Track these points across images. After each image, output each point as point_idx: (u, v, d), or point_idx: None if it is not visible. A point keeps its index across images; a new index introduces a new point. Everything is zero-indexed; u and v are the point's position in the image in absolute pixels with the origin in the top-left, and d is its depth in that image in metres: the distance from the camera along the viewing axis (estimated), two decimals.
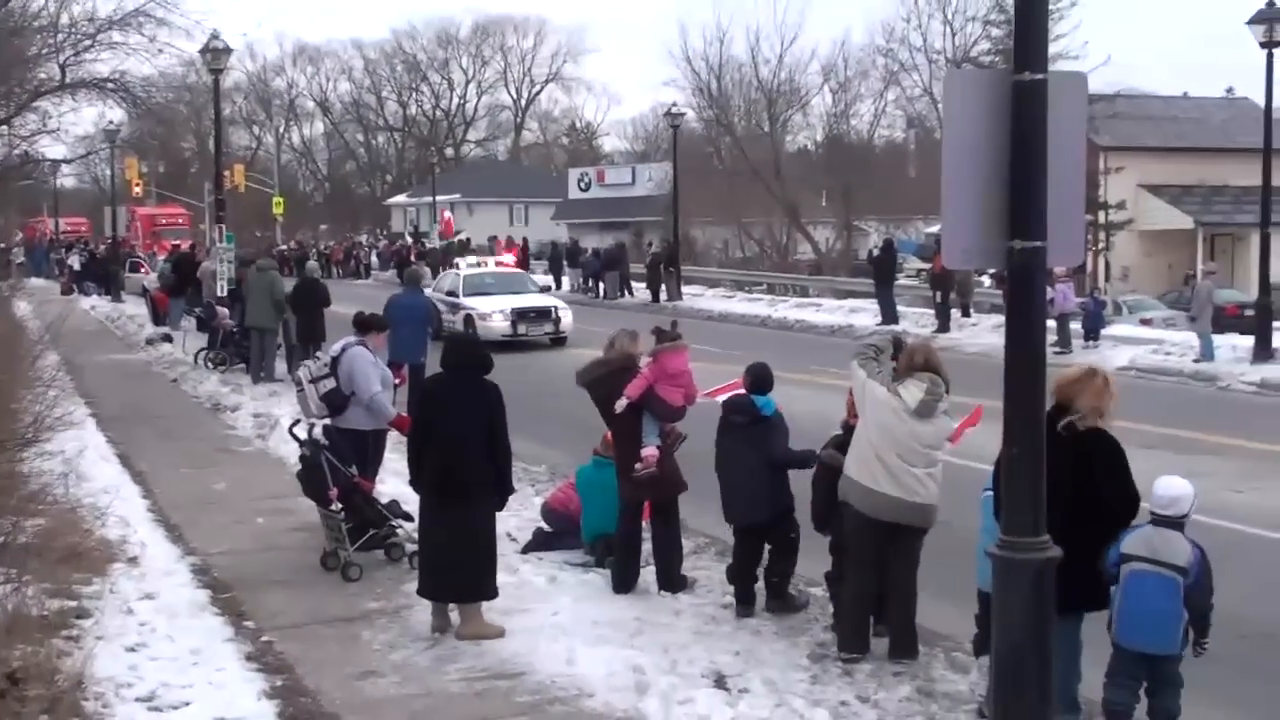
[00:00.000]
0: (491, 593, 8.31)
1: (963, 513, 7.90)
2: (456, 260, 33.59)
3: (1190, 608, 6.23)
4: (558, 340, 26.31)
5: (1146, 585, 6.25)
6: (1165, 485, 6.44)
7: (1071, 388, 6.51)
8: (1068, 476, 6.14)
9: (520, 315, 26.45)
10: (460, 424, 8.19)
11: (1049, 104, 5.46)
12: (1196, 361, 21.80)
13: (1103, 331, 24.99)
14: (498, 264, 33.05)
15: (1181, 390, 20.31)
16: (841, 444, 8.04)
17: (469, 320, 26.32)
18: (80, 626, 7.88)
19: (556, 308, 27.29)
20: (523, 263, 49.07)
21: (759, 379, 8.84)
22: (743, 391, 8.89)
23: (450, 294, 28.02)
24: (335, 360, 10.50)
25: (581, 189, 71.17)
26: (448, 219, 58.53)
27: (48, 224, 67.70)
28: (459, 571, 8.18)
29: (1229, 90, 50.01)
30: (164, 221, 60.77)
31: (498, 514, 8.56)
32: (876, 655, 7.76)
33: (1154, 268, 40.81)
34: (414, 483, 8.59)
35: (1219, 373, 21.04)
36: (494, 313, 26.42)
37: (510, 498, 8.80)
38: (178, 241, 43.93)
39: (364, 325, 10.95)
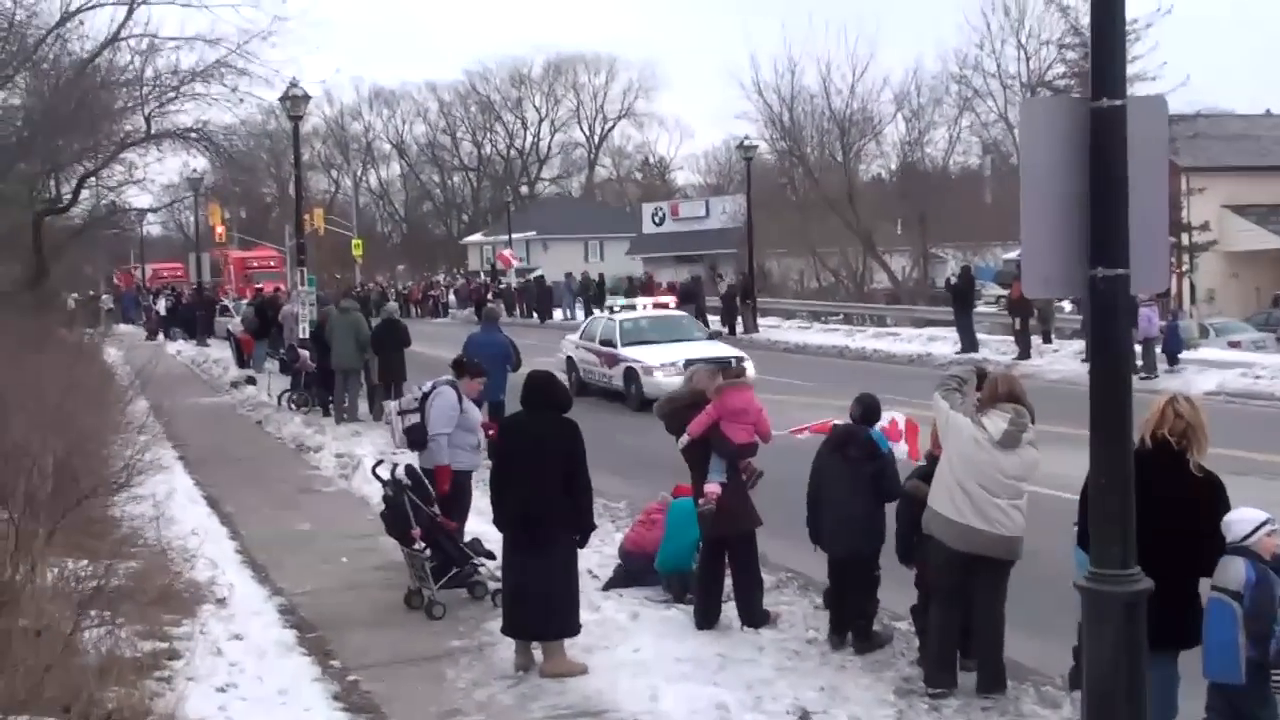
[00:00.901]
0: (574, 630, 8.33)
1: (1051, 543, 7.78)
2: (609, 303, 28.91)
3: (1248, 634, 6.06)
4: None
5: (1211, 613, 6.12)
6: (1230, 513, 6.32)
7: (1177, 423, 6.36)
8: (1168, 511, 6.03)
9: None
10: (538, 462, 8.24)
11: (1129, 129, 5.40)
12: None
13: (1188, 355, 24.52)
14: (655, 305, 26.93)
15: (1273, 415, 19.84)
16: (926, 475, 7.97)
17: (631, 375, 22.28)
18: (172, 667, 8.00)
19: (739, 358, 21.17)
20: (600, 298, 49.50)
21: (869, 410, 8.81)
22: (836, 423, 8.84)
23: (605, 343, 23.74)
24: (425, 397, 10.67)
25: (656, 223, 71.44)
26: (503, 254, 59.14)
27: (137, 273, 69.11)
28: (541, 609, 8.20)
29: None
30: (256, 265, 61.21)
31: (579, 551, 8.59)
32: (964, 690, 7.64)
33: (1241, 289, 40.04)
34: (496, 521, 8.65)
35: None
36: (663, 365, 21.71)
37: (592, 535, 8.81)
38: (260, 285, 44.65)
39: (458, 368, 11.11)
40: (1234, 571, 6.10)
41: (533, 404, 8.50)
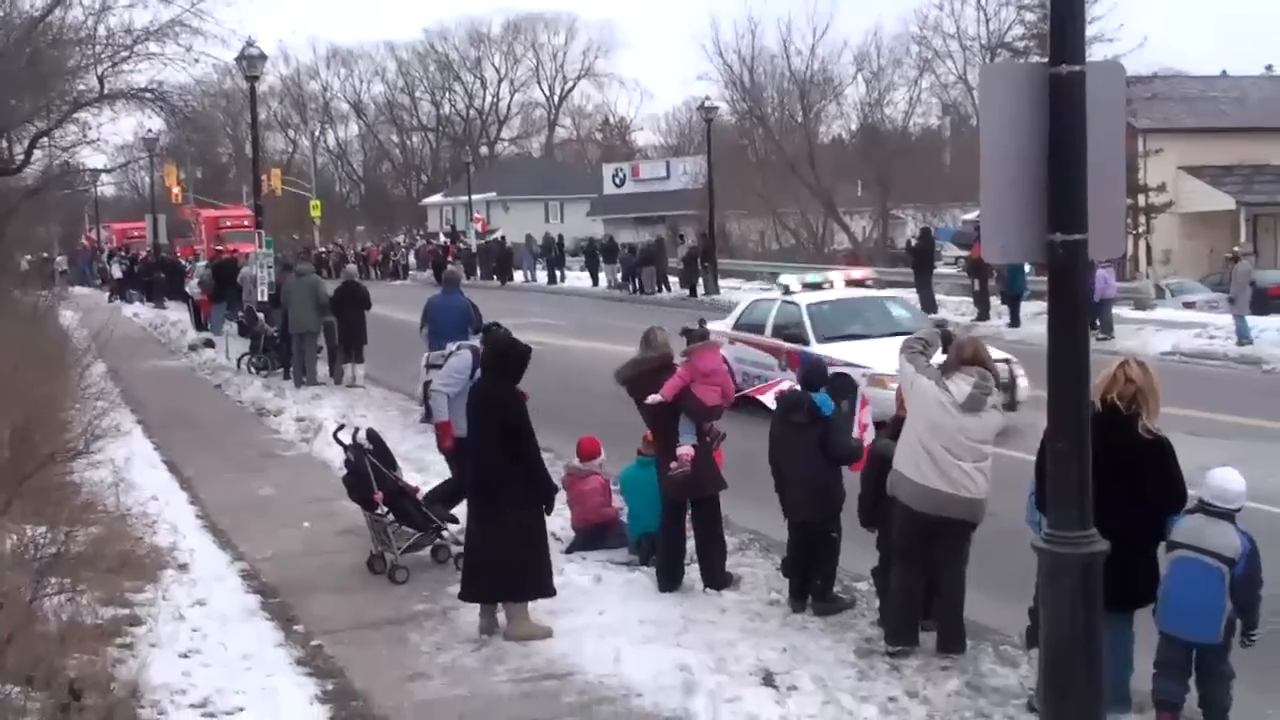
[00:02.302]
0: (528, 594, 8.32)
1: (1011, 504, 7.86)
2: (783, 280, 19.66)
3: (1235, 599, 6.19)
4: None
5: (1191, 573, 6.22)
6: (1222, 477, 6.37)
7: (1128, 387, 6.45)
8: (1120, 474, 6.12)
9: None
10: (484, 430, 8.31)
11: (1087, 95, 5.44)
12: (1239, 344, 21.59)
13: (1145, 315, 24.77)
14: (848, 282, 18.64)
15: (1226, 375, 20.10)
16: (894, 436, 8.03)
17: (844, 384, 13.44)
18: (134, 634, 8.00)
19: (1007, 360, 14.35)
20: (560, 260, 49.38)
21: (813, 373, 8.87)
22: (795, 386, 8.91)
23: (790, 338, 16.92)
24: (449, 356, 10.61)
25: (616, 184, 71.22)
26: (479, 218, 58.52)
27: (114, 230, 67.13)
28: (496, 572, 8.23)
29: (1268, 68, 49.44)
30: (230, 224, 58.26)
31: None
32: (924, 650, 7.74)
33: (1196, 250, 40.37)
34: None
35: (1264, 356, 20.80)
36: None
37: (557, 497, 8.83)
38: (220, 247, 44.03)
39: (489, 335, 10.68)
40: (1227, 538, 6.20)
41: (485, 369, 8.54)
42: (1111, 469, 5.98)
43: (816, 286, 18.03)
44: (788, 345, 16.75)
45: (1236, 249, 24.42)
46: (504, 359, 8.56)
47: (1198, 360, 21.25)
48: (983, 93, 5.96)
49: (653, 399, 9.08)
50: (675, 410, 9.08)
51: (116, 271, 47.52)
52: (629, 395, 9.49)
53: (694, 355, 9.15)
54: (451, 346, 10.78)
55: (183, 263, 44.82)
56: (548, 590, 8.39)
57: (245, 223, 57.89)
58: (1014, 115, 5.56)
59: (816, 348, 15.90)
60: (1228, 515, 6.29)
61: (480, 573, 8.31)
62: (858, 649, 7.88)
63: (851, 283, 18.64)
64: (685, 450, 9.03)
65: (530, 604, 8.34)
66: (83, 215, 69.61)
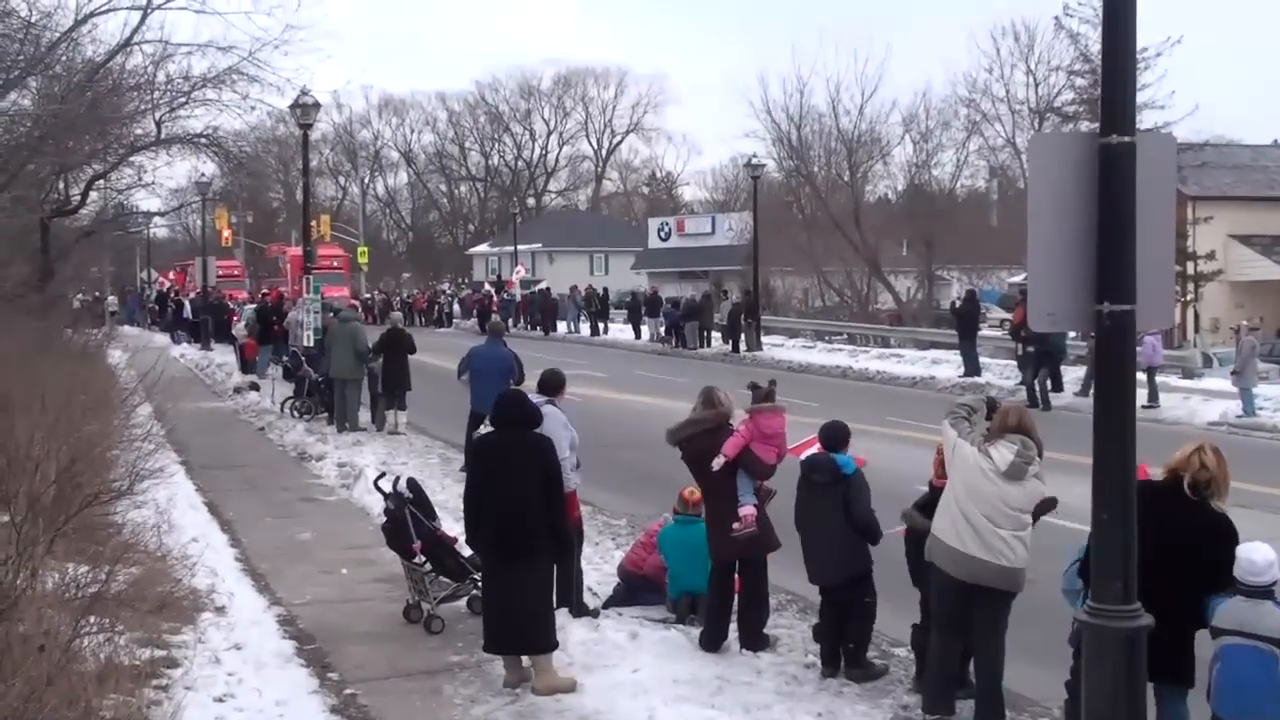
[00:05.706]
0: (554, 644, 8.32)
1: (1052, 571, 7.76)
2: None
3: None
4: None
5: (1242, 659, 6.07)
6: (1255, 552, 6.23)
7: (1201, 473, 6.41)
8: (1177, 545, 6.05)
9: None
10: (520, 481, 8.29)
11: (1137, 166, 5.42)
12: (1244, 416, 21.39)
13: (1192, 384, 24.54)
14: None
15: (1275, 447, 19.81)
16: (923, 505, 7.98)
17: None
18: (170, 676, 8.01)
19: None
20: (603, 312, 49.38)
21: (832, 436, 8.81)
22: (820, 449, 8.86)
23: None
24: None
25: (661, 238, 71.57)
26: (515, 277, 58.66)
27: (192, 270, 67.18)
28: (527, 624, 8.22)
29: None
30: (319, 265, 56.95)
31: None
32: (962, 719, 7.63)
33: (1244, 319, 40.03)
34: (471, 540, 8.69)
35: None
36: None
37: (591, 551, 8.81)
38: (285, 290, 44.04)
39: (549, 386, 10.27)
40: (1273, 618, 6.03)
41: (506, 423, 8.55)
42: (1166, 542, 5.92)
43: None
44: None
45: (1244, 323, 24.44)
46: (523, 408, 8.63)
47: (1246, 431, 20.97)
48: (1032, 161, 5.96)
49: (718, 462, 8.94)
50: (733, 469, 9.03)
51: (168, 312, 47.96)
52: (682, 455, 9.43)
53: (758, 415, 9.08)
54: None
55: (230, 304, 45.21)
56: (556, 643, 8.37)
57: (335, 264, 54.45)
58: (1063, 184, 5.56)
59: None
60: (1266, 592, 6.15)
61: (511, 624, 8.28)
62: (894, 716, 7.79)
63: None
64: (749, 510, 8.94)
65: (564, 659, 8.30)
66: (134, 256, 70.44)
